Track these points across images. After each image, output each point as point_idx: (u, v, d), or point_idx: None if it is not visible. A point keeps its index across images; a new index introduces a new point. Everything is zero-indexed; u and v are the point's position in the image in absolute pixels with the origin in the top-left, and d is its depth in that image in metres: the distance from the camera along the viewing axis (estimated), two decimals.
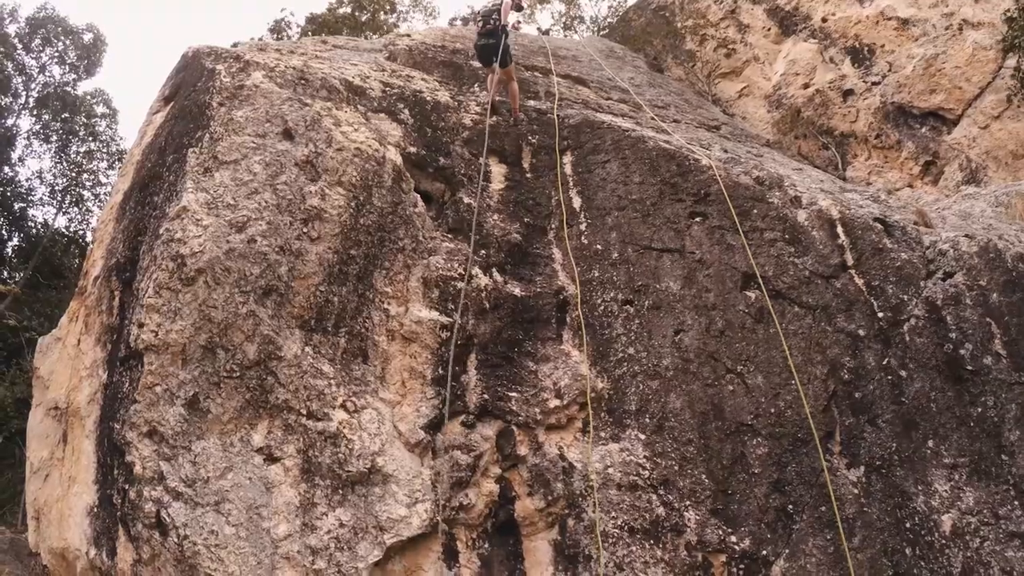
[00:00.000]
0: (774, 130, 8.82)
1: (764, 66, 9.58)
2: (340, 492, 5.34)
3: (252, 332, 5.45)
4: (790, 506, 5.76)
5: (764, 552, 5.68)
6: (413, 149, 6.62)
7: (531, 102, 7.72)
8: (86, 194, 15.01)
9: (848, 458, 5.86)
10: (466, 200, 6.59)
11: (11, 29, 14.87)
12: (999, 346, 5.87)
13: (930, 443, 5.79)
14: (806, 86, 8.92)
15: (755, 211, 6.42)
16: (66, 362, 6.34)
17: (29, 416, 6.75)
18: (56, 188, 15.01)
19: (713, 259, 6.31)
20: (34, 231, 14.58)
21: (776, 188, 6.52)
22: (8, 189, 14.35)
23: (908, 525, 5.65)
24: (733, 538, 5.70)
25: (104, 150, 15.33)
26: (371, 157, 6.22)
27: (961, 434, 5.77)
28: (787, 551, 5.72)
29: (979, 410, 5.76)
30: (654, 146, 6.83)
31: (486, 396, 5.94)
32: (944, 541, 5.54)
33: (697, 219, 6.48)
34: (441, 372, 5.93)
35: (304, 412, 5.45)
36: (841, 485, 5.78)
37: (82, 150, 15.21)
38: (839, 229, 6.27)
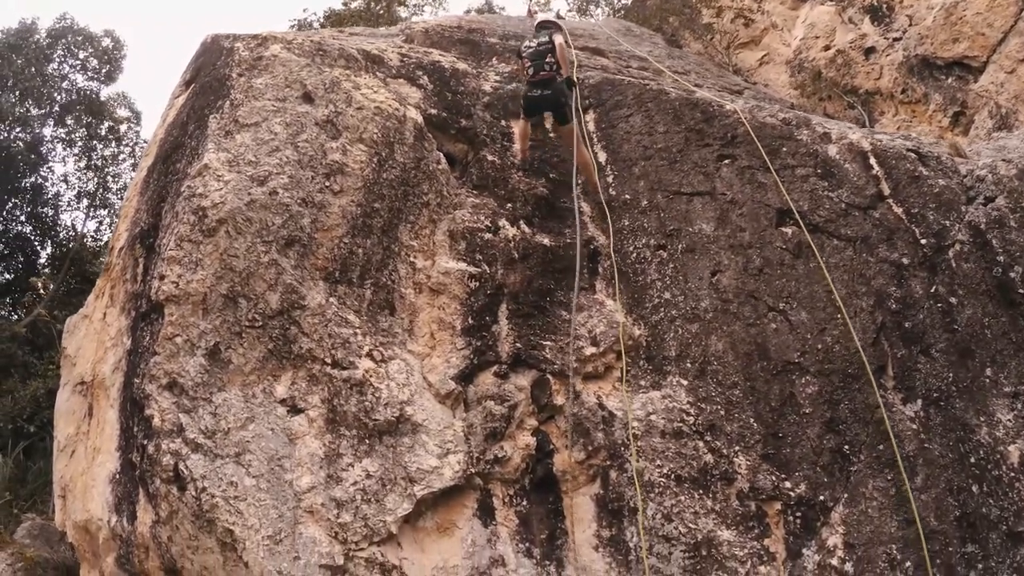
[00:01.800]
0: (797, 93, 8.71)
1: (783, 32, 9.54)
2: (367, 442, 5.11)
3: (275, 281, 5.33)
4: (846, 447, 5.42)
5: (822, 497, 5.32)
6: (434, 111, 6.58)
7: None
8: (112, 198, 15.31)
9: (903, 392, 5.54)
10: (490, 158, 6.50)
11: (34, 40, 15.22)
12: None
13: (988, 371, 5.47)
14: (827, 48, 8.84)
15: (784, 149, 6.24)
16: (92, 337, 6.25)
17: (57, 396, 6.66)
18: (83, 192, 15.34)
19: (745, 198, 6.12)
20: (64, 237, 14.84)
21: (804, 127, 6.36)
22: (38, 196, 14.63)
23: (972, 460, 5.30)
24: (787, 484, 5.36)
25: (128, 152, 15.66)
26: (391, 116, 6.19)
27: (1020, 360, 5.46)
28: (846, 495, 5.36)
29: None
30: (676, 96, 6.73)
31: (519, 345, 5.72)
32: (1013, 474, 5.20)
33: (726, 161, 6.31)
34: (471, 322, 5.74)
35: (329, 361, 5.27)
36: (898, 421, 5.45)
37: (106, 153, 15.53)
38: (872, 160, 6.06)
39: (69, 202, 15.56)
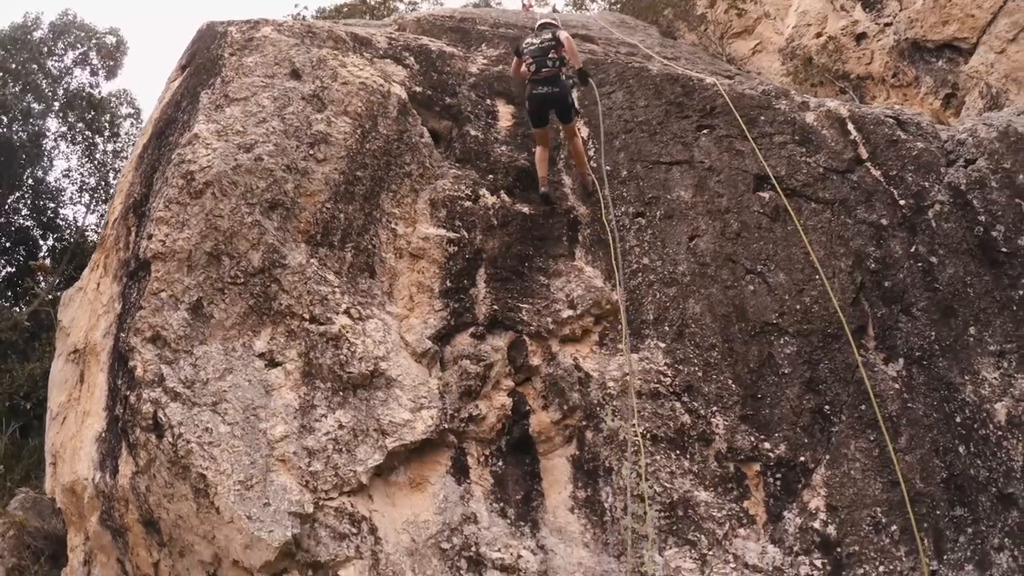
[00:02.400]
0: (790, 80, 8.75)
1: (776, 21, 9.66)
2: (341, 395, 5.19)
3: (257, 241, 5.49)
4: (826, 407, 5.34)
5: (802, 459, 5.22)
6: (419, 89, 6.79)
7: None
8: (113, 191, 15.36)
9: (885, 352, 5.46)
10: (473, 133, 6.66)
11: (36, 35, 15.34)
12: None
13: (972, 330, 5.37)
14: (819, 35, 8.92)
15: (762, 118, 6.29)
16: (86, 307, 6.47)
17: (51, 368, 6.86)
18: (84, 187, 15.45)
19: (723, 165, 6.16)
20: (66, 231, 15.04)
21: (783, 97, 6.41)
22: (40, 190, 14.89)
23: (958, 420, 5.17)
24: (767, 445, 5.28)
25: (130, 149, 15.82)
26: (376, 91, 6.39)
27: (1005, 319, 5.35)
28: (827, 457, 5.24)
29: (1021, 292, 5.36)
30: (657, 72, 6.85)
31: (496, 307, 5.78)
32: (1000, 433, 5.05)
33: (704, 131, 6.38)
34: (450, 285, 5.83)
35: (307, 317, 5.39)
36: (880, 381, 5.36)
37: (108, 149, 15.80)
38: (850, 126, 6.09)
39: (71, 197, 15.59)
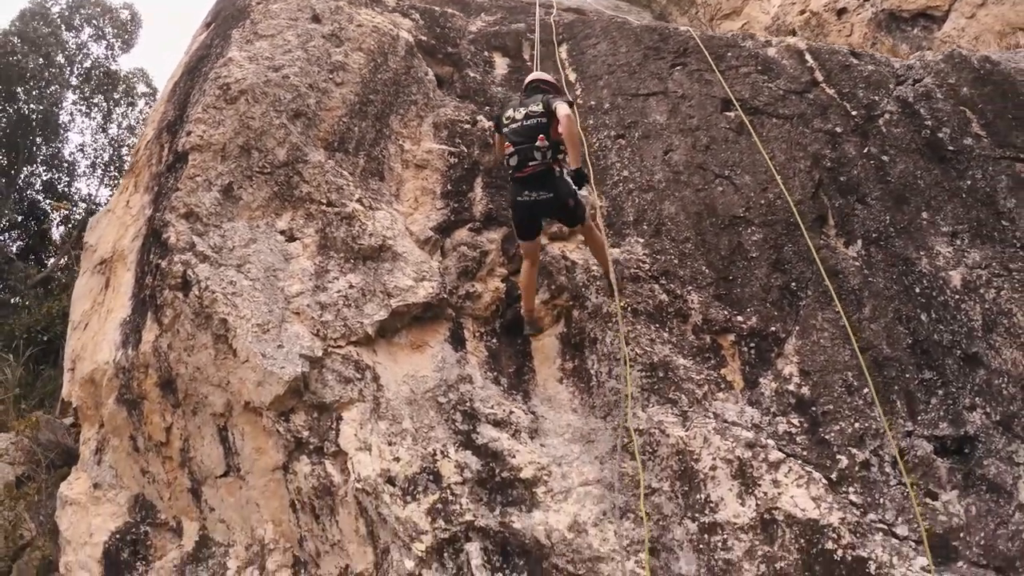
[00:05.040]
0: None
1: (763, 2, 10.51)
2: (351, 262, 5.77)
3: (283, 140, 6.20)
4: (793, 283, 5.83)
5: (773, 329, 5.62)
6: (424, 38, 7.66)
7: (530, 19, 8.65)
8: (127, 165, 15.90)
9: (845, 236, 5.99)
10: (472, 75, 7.47)
11: (55, 10, 16.12)
12: (977, 128, 6.12)
13: (924, 215, 5.88)
14: (802, 12, 9.73)
15: (729, 54, 7.09)
16: (114, 223, 7.09)
17: (74, 288, 7.40)
18: (98, 163, 16.17)
19: (694, 93, 6.91)
20: (81, 206, 15.51)
21: (749, 39, 7.23)
22: (53, 164, 15.39)
23: (918, 290, 5.51)
24: (739, 318, 5.72)
25: (141, 127, 16.37)
26: (386, 33, 7.27)
27: (955, 204, 5.82)
28: (797, 328, 5.64)
29: (968, 183, 5.89)
30: (638, 25, 7.72)
31: (491, 207, 6.41)
32: (957, 296, 5.35)
33: (678, 67, 7.17)
34: (450, 188, 6.49)
35: (324, 202, 6.03)
36: (841, 260, 5.85)
37: (123, 123, 16.53)
38: (807, 56, 6.86)
39: (84, 171, 16.29)
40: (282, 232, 5.83)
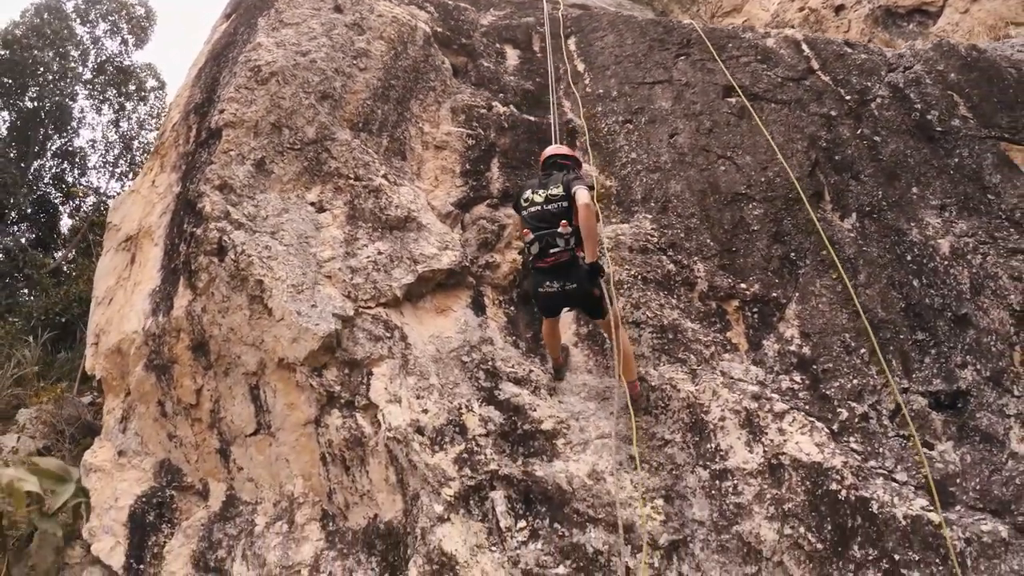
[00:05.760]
0: None
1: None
2: (379, 231, 6.09)
3: (312, 119, 6.53)
4: (792, 253, 6.20)
5: (775, 294, 5.97)
6: (439, 29, 8.06)
7: (537, 13, 9.04)
8: (138, 157, 16.31)
9: (840, 211, 6.38)
10: (486, 64, 7.86)
11: (69, 5, 16.42)
12: (964, 111, 6.56)
13: (914, 190, 6.28)
14: (801, 9, 10.17)
15: (730, 45, 7.52)
16: (139, 202, 7.36)
17: (97, 267, 7.63)
18: (108, 158, 16.34)
19: (697, 81, 7.32)
20: (92, 199, 15.75)
21: (749, 31, 7.67)
22: (65, 158, 15.47)
23: (909, 258, 5.85)
24: (743, 285, 6.07)
25: (155, 120, 16.69)
26: (405, 23, 7.65)
27: (943, 180, 6.22)
28: (797, 294, 6.01)
29: (956, 160, 6.31)
30: (642, 19, 8.15)
31: (507, 185, 6.77)
32: (947, 262, 5.69)
33: (682, 57, 7.59)
34: (469, 167, 6.84)
35: (352, 176, 6.36)
36: (837, 231, 6.23)
37: (134, 118, 16.68)
38: (804, 46, 7.30)
39: (95, 165, 16.43)
40: (312, 204, 6.14)
